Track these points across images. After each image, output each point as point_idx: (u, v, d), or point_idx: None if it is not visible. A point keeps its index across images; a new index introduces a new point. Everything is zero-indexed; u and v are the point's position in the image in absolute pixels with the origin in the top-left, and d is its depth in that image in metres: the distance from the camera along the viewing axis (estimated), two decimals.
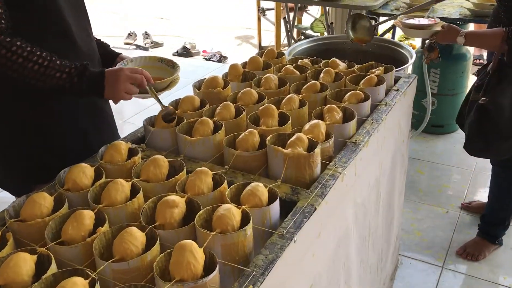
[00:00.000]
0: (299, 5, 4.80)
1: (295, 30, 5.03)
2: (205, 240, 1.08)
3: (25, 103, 1.57)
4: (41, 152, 1.64)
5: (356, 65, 2.05)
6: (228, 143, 1.47)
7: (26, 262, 1.01)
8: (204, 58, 6.07)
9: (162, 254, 1.04)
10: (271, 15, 5.82)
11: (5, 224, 1.18)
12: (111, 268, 1.02)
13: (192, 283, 0.96)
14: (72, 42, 1.59)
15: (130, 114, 4.46)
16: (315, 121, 1.51)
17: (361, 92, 1.74)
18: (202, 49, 6.25)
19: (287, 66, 1.98)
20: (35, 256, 1.04)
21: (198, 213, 1.15)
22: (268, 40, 6.24)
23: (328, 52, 2.91)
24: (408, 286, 2.46)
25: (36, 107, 1.59)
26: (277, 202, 1.21)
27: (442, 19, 2.45)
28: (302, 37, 4.85)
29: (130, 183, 1.27)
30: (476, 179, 3.32)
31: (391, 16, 2.87)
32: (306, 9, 5.58)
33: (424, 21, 2.39)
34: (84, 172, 1.30)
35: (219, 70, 5.47)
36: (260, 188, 1.22)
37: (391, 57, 2.82)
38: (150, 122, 1.62)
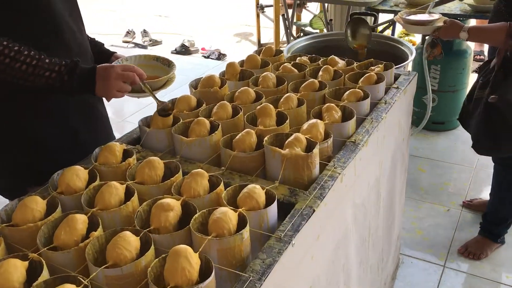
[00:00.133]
0: (298, 1, 4.76)
1: (294, 27, 4.99)
2: (200, 244, 1.05)
3: (15, 103, 1.55)
4: (34, 154, 1.61)
5: (355, 63, 2.02)
6: (225, 143, 1.44)
7: (17, 269, 0.99)
8: (203, 55, 6.04)
9: (157, 259, 1.02)
10: (270, 12, 5.78)
11: None
12: (104, 274, 1.00)
13: None
14: (63, 41, 1.56)
15: (130, 112, 4.43)
16: (314, 120, 1.49)
17: (360, 90, 1.72)
18: (201, 47, 6.22)
19: (285, 64, 1.95)
20: (26, 262, 1.02)
21: (194, 217, 1.12)
22: (267, 37, 6.20)
23: (327, 49, 2.88)
24: (410, 286, 2.44)
25: (27, 108, 1.56)
26: (275, 204, 1.19)
27: (442, 15, 2.41)
28: (301, 34, 4.82)
29: (125, 185, 1.25)
30: (477, 176, 3.29)
31: (389, 21, 2.84)
32: (305, 5, 5.54)
33: (425, 17, 2.35)
34: (77, 175, 1.28)
35: (218, 68, 5.43)
36: (257, 190, 1.19)
37: (391, 53, 2.78)
38: (146, 122, 1.59)
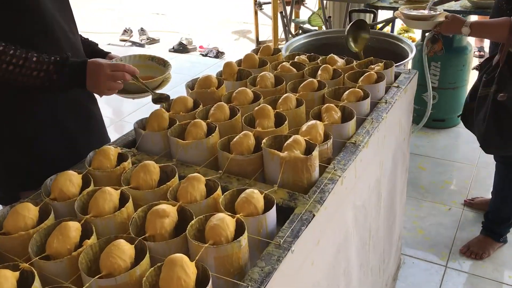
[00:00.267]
0: None
1: (292, 25, 4.95)
2: (197, 252, 1.02)
3: (5, 103, 1.51)
4: (26, 157, 1.58)
5: (354, 61, 1.98)
6: (222, 146, 1.41)
7: (7, 280, 0.95)
8: (201, 54, 5.99)
9: (152, 268, 0.99)
10: (268, 9, 5.74)
11: None
12: (97, 285, 0.97)
13: None
14: (53, 41, 1.52)
15: (128, 112, 4.38)
16: (313, 121, 1.45)
17: (360, 90, 1.68)
18: (199, 45, 6.17)
19: (284, 63, 1.91)
20: (17, 273, 0.98)
21: (190, 223, 1.09)
22: (266, 34, 6.16)
23: (326, 47, 2.85)
24: (411, 286, 2.41)
25: (18, 108, 1.53)
26: (274, 209, 1.15)
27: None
28: (300, 31, 4.78)
29: (119, 191, 1.21)
30: (479, 174, 3.26)
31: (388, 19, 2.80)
32: (304, 2, 5.50)
33: (426, 12, 2.32)
34: (71, 180, 1.24)
35: (216, 66, 5.39)
36: (255, 195, 1.16)
37: (391, 51, 2.75)
38: (141, 124, 1.56)
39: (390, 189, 1.92)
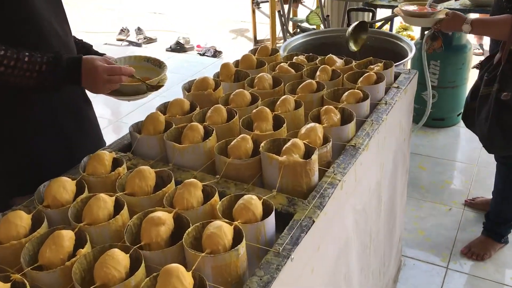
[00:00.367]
0: None
1: (290, 23, 4.92)
2: (194, 261, 0.99)
3: None
4: (19, 161, 1.55)
5: (353, 62, 1.95)
6: (220, 150, 1.38)
7: None
8: (198, 53, 5.95)
9: (148, 278, 0.96)
10: (265, 7, 5.71)
11: None
12: None
13: None
14: (44, 40, 1.49)
15: (126, 112, 4.34)
16: (312, 124, 1.42)
17: (359, 91, 1.65)
18: (196, 44, 6.13)
19: (282, 64, 1.88)
20: (8, 284, 0.96)
21: (187, 231, 1.06)
22: (264, 33, 6.13)
23: (325, 46, 2.82)
24: None
25: (10, 112, 1.51)
26: (272, 216, 1.12)
27: None
28: (298, 30, 4.75)
29: (114, 197, 1.18)
30: (479, 173, 3.23)
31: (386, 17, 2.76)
32: (302, 1, 5.47)
33: (426, 9, 2.28)
34: (64, 187, 1.21)
35: (214, 65, 5.36)
36: (253, 201, 1.13)
37: (390, 50, 2.73)
38: (137, 128, 1.53)
39: (390, 191, 1.89)
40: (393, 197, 1.94)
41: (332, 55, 1.96)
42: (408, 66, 2.79)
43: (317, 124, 1.42)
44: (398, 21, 5.07)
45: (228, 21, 7.29)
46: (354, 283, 1.58)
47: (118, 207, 1.17)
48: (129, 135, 1.57)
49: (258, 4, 5.79)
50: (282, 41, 5.07)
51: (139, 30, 6.50)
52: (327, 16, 3.74)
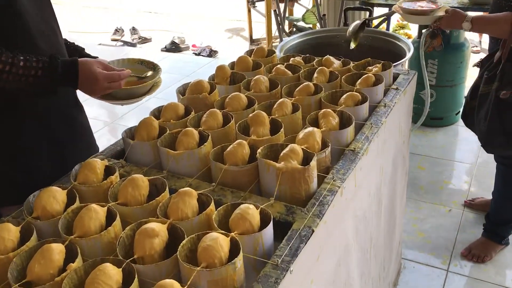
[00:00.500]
0: None
1: (286, 22, 4.88)
2: (189, 275, 0.95)
3: None
4: (8, 168, 1.50)
5: (351, 63, 1.91)
6: (216, 156, 1.34)
7: None
8: (193, 53, 5.89)
9: None
10: (261, 6, 5.66)
11: None
12: None
13: None
14: (30, 42, 1.44)
15: (122, 113, 4.27)
16: (310, 128, 1.38)
17: (358, 94, 1.61)
18: (192, 44, 6.08)
19: (278, 66, 1.84)
20: None
21: (181, 243, 1.02)
22: (260, 32, 6.08)
23: (321, 46, 2.78)
24: None
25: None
26: (271, 225, 1.09)
27: None
28: (294, 29, 4.71)
29: (106, 208, 1.14)
30: (478, 173, 3.20)
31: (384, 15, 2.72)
32: None
33: (426, 6, 2.24)
34: (55, 197, 1.17)
35: (209, 65, 5.30)
36: (250, 211, 1.09)
37: (387, 49, 2.69)
38: (130, 133, 1.48)
39: (390, 194, 1.86)
40: (393, 200, 1.91)
41: (329, 56, 1.92)
42: (406, 65, 2.75)
43: (315, 129, 1.38)
44: (395, 20, 5.03)
45: (223, 20, 7.23)
46: None
47: (110, 217, 1.13)
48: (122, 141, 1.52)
49: (253, 3, 5.74)
50: (278, 40, 5.03)
51: (133, 30, 6.44)
52: (324, 15, 3.70)
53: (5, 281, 1.00)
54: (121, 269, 0.98)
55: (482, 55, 3.31)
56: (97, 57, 1.77)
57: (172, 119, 1.53)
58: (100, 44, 6.23)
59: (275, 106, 1.55)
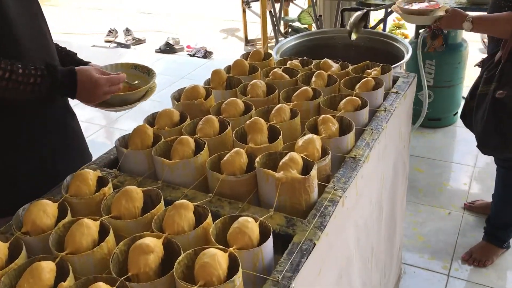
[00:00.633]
0: None
1: (281, 22, 4.83)
2: None
3: None
4: None
5: (350, 66, 1.87)
6: (212, 165, 1.30)
7: None
8: (188, 54, 5.83)
9: None
10: (256, 6, 5.62)
11: None
12: None
13: None
14: (20, 47, 1.40)
15: (116, 115, 4.20)
16: (309, 135, 1.34)
17: (357, 98, 1.57)
18: (186, 45, 6.02)
19: (275, 69, 1.80)
20: None
21: (178, 260, 0.97)
22: (255, 33, 6.04)
23: (318, 48, 2.74)
24: None
25: None
26: (270, 240, 1.04)
27: None
28: (289, 29, 4.67)
29: (98, 222, 1.10)
30: (477, 175, 3.16)
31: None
32: None
33: (425, 5, 2.20)
34: (45, 211, 1.12)
35: (204, 67, 5.26)
36: (249, 225, 1.04)
37: (385, 50, 2.65)
38: (123, 142, 1.44)
39: (391, 200, 1.82)
40: (393, 206, 1.87)
41: (327, 60, 1.88)
42: (404, 66, 2.72)
43: (314, 136, 1.34)
44: (391, 20, 4.99)
45: (218, 20, 7.18)
46: None
47: (103, 231, 1.09)
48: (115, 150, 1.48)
49: (248, 3, 5.69)
50: (273, 40, 4.98)
51: (127, 31, 6.38)
52: (320, 16, 3.66)
53: None
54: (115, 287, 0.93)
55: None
56: (90, 62, 1.73)
57: (166, 126, 1.49)
58: (93, 46, 6.17)
59: (273, 112, 1.50)
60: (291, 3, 5.37)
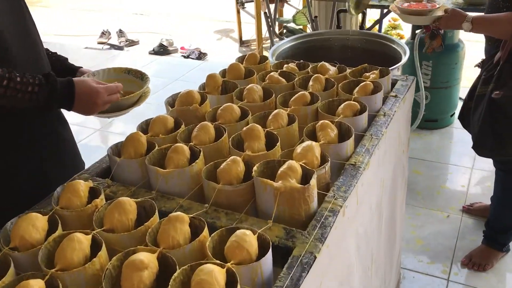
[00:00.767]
0: None
1: (276, 24, 4.79)
2: None
3: None
4: None
5: (347, 69, 1.83)
6: (208, 174, 1.26)
7: None
8: (182, 55, 5.78)
9: None
10: (250, 7, 5.57)
11: None
12: None
13: None
14: (10, 60, 1.36)
15: (110, 118, 4.15)
16: (308, 142, 1.30)
17: (356, 103, 1.54)
18: (180, 46, 5.97)
19: (272, 73, 1.76)
20: None
21: (173, 277, 0.93)
22: (249, 33, 5.99)
23: (314, 49, 2.71)
24: None
25: None
26: (269, 254, 1.00)
27: None
28: (284, 30, 4.63)
29: (90, 236, 1.05)
30: (475, 177, 3.14)
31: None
32: (287, 0, 5.35)
33: (424, 5, 2.17)
34: (34, 225, 1.07)
35: (198, 68, 5.21)
36: (247, 238, 1.00)
37: (382, 52, 2.62)
38: (116, 150, 1.39)
39: (391, 206, 1.78)
40: (393, 212, 1.83)
41: (324, 63, 1.84)
42: (400, 68, 2.69)
43: (313, 143, 1.30)
44: (386, 20, 4.97)
45: (212, 21, 7.14)
46: None
47: (95, 245, 1.05)
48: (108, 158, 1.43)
49: (242, 4, 5.65)
50: (268, 41, 4.94)
51: (120, 33, 6.32)
52: (315, 17, 3.62)
53: None
54: None
55: None
56: (81, 67, 1.69)
57: (161, 133, 1.44)
58: (86, 48, 6.11)
59: (270, 117, 1.46)
60: (285, 4, 5.33)
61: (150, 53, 5.88)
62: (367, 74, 1.79)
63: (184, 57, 5.72)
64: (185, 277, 0.95)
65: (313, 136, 1.42)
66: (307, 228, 1.12)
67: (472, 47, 4.04)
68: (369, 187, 1.41)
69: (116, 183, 1.33)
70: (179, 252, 1.02)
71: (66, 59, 1.68)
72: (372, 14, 4.56)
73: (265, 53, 5.02)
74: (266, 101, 1.59)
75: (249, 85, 1.64)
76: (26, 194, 1.41)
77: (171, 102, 1.64)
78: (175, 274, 0.94)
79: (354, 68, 1.84)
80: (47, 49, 1.61)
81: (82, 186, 1.20)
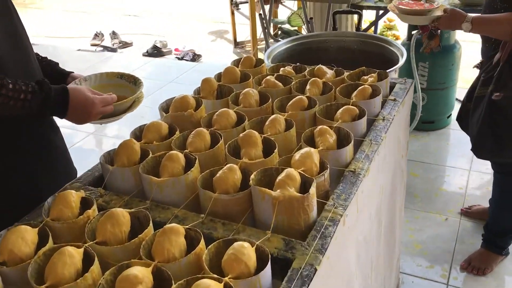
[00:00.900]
0: None
1: (271, 25, 4.76)
2: None
3: None
4: None
5: (345, 72, 1.80)
6: (204, 182, 1.22)
7: None
8: (176, 57, 5.74)
9: None
10: (245, 8, 5.54)
11: None
12: None
13: None
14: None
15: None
16: (307, 149, 1.27)
17: (355, 107, 1.50)
18: (174, 48, 5.92)
19: (268, 77, 1.73)
20: None
21: None
22: (244, 35, 5.96)
23: (310, 51, 2.68)
24: None
25: None
26: (268, 266, 0.97)
27: None
28: (279, 32, 4.60)
29: (82, 249, 1.01)
30: (473, 179, 3.11)
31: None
32: (282, 1, 5.32)
33: (422, 5, 2.14)
34: (23, 238, 1.03)
35: (193, 70, 5.16)
36: (246, 251, 0.97)
37: (379, 54, 2.59)
38: (109, 158, 1.35)
39: (390, 212, 1.75)
40: (392, 217, 1.80)
41: (321, 66, 1.81)
42: (397, 69, 2.66)
43: (312, 149, 1.27)
44: (382, 21, 4.94)
45: (206, 22, 7.10)
46: None
47: (88, 258, 1.01)
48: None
49: (237, 5, 5.61)
50: (263, 43, 4.91)
51: (114, 34, 6.27)
52: (311, 18, 3.59)
53: None
54: None
55: None
56: (72, 72, 1.65)
57: (155, 140, 1.41)
58: (79, 50, 6.06)
59: (267, 123, 1.43)
60: (280, 5, 5.29)
61: (144, 55, 5.83)
62: (365, 77, 1.76)
63: (178, 58, 5.68)
64: None
65: (311, 142, 1.39)
66: (306, 238, 1.08)
67: (468, 48, 4.02)
68: (369, 194, 1.38)
69: (109, 192, 1.29)
70: (175, 265, 0.98)
71: (57, 63, 1.64)
72: (368, 16, 4.54)
73: (260, 55, 4.99)
74: (263, 106, 1.56)
75: (245, 90, 1.61)
76: (25, 196, 1.38)
77: (165, 108, 1.60)
78: None
79: (351, 71, 1.81)
80: (37, 54, 1.57)
81: (74, 196, 1.16)
